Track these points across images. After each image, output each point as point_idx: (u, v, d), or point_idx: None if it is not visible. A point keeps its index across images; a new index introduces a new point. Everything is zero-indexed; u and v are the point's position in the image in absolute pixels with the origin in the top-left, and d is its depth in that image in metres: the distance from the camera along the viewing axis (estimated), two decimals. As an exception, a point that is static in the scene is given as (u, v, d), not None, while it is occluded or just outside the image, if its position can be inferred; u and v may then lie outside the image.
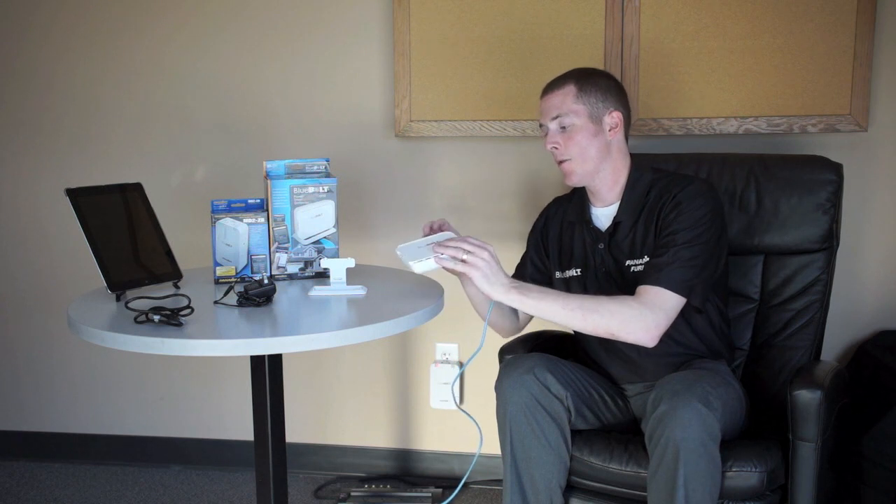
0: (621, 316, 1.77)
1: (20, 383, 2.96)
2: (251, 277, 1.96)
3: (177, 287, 1.92)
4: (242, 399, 2.79)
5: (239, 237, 1.97)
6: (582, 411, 1.89)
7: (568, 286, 2.00)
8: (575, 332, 2.04)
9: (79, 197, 1.83)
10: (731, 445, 1.79)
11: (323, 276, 2.00)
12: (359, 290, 1.86)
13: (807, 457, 1.81)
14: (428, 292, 1.87)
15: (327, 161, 2.09)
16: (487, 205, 2.61)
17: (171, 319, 1.59)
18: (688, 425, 1.63)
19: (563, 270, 2.05)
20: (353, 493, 2.63)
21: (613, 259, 1.96)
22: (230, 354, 1.54)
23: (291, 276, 2.01)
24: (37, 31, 2.77)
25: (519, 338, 2.16)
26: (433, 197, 2.64)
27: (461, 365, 2.68)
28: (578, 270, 2.02)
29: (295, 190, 1.99)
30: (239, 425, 2.82)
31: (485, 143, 2.58)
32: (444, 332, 2.67)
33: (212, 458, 2.88)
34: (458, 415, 2.69)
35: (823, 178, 2.10)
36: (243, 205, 2.02)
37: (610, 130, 1.94)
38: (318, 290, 1.87)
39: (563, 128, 1.92)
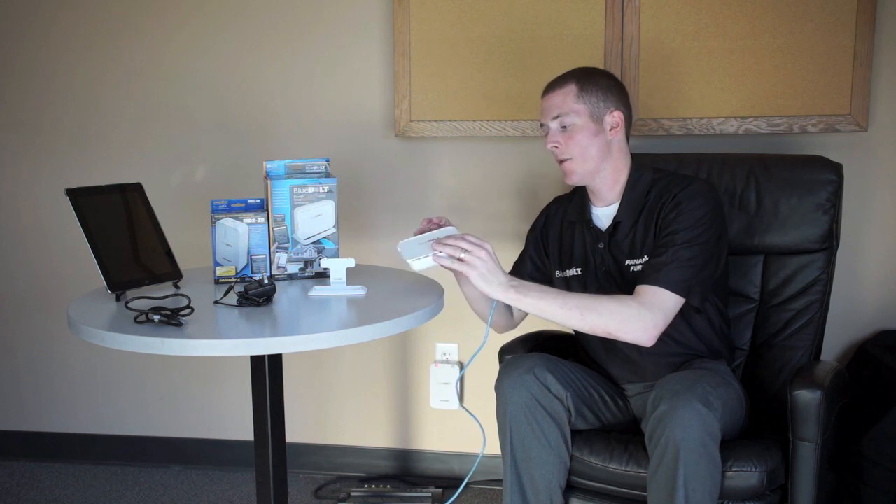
0: (619, 315, 1.77)
1: (20, 383, 2.96)
2: (251, 277, 1.96)
3: (177, 287, 1.92)
4: (242, 399, 2.79)
5: (239, 237, 1.97)
6: (582, 411, 1.89)
7: (568, 285, 2.00)
8: (575, 331, 2.04)
9: (79, 197, 1.83)
10: (731, 445, 1.79)
11: (323, 276, 2.00)
12: (359, 290, 1.86)
13: (807, 457, 1.81)
14: (428, 292, 1.87)
15: (327, 161, 2.09)
16: (487, 205, 2.61)
17: (171, 319, 1.59)
18: (688, 425, 1.63)
19: (563, 270, 2.06)
20: (353, 493, 2.63)
21: (613, 259, 1.96)
22: (230, 354, 1.54)
23: (291, 276, 2.01)
24: (37, 31, 2.77)
25: (519, 338, 2.16)
26: (433, 197, 2.64)
27: (461, 365, 2.68)
28: (578, 270, 2.02)
29: (295, 190, 1.99)
30: (239, 425, 2.82)
31: (485, 143, 2.58)
32: (444, 332, 2.67)
33: (212, 458, 2.88)
34: (458, 415, 2.69)
35: (823, 178, 2.10)
36: (243, 205, 2.02)
37: (611, 130, 1.94)
38: (318, 290, 1.87)
39: (564, 127, 1.93)
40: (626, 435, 1.92)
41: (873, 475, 2.11)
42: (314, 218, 2.01)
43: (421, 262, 1.78)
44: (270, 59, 2.66)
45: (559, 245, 2.08)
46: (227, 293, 1.79)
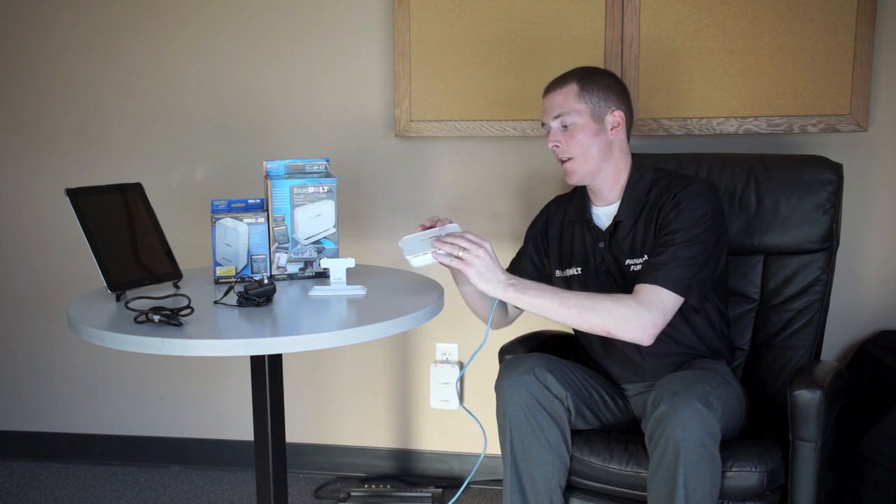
0: (618, 314, 1.77)
1: (20, 383, 2.96)
2: (251, 277, 1.96)
3: (177, 287, 1.92)
4: (242, 399, 2.79)
5: (239, 237, 1.97)
6: (582, 411, 1.89)
7: (568, 285, 2.00)
8: (575, 331, 2.04)
9: (79, 197, 1.83)
10: (731, 445, 1.79)
11: (323, 276, 2.00)
12: (359, 290, 1.86)
13: (807, 457, 1.81)
14: (428, 292, 1.87)
15: (327, 161, 2.09)
16: (487, 205, 2.61)
17: (171, 319, 1.59)
18: (688, 425, 1.63)
19: (563, 269, 2.06)
20: (353, 493, 2.63)
21: (613, 258, 1.96)
22: (230, 354, 1.54)
23: (291, 276, 2.01)
24: (37, 31, 2.77)
25: (519, 338, 2.16)
26: (433, 197, 2.64)
27: (461, 365, 2.68)
28: (579, 269, 2.02)
29: (295, 190, 1.99)
30: (239, 425, 2.82)
31: (485, 143, 2.58)
32: (444, 332, 2.67)
33: (212, 458, 2.88)
34: (458, 415, 2.69)
35: (823, 178, 2.10)
36: (243, 205, 2.02)
37: (612, 129, 1.94)
38: (318, 290, 1.87)
39: (565, 126, 1.93)
40: (626, 435, 1.91)
41: (873, 475, 2.11)
42: (314, 218, 2.01)
43: (420, 259, 1.78)
44: (270, 59, 2.66)
45: (559, 244, 2.08)
46: (227, 293, 1.79)
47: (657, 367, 1.93)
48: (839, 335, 2.41)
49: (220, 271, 1.97)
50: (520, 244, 2.19)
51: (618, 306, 1.78)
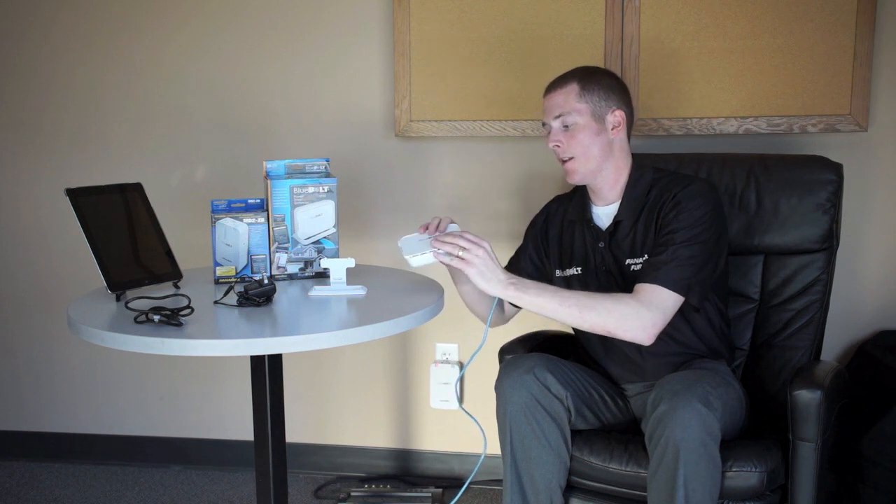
0: (618, 313, 1.77)
1: (20, 383, 2.96)
2: (251, 277, 1.96)
3: (177, 287, 1.92)
4: (242, 399, 2.79)
5: (239, 237, 1.97)
6: (582, 411, 1.89)
7: (568, 285, 2.00)
8: (575, 331, 2.04)
9: (79, 197, 1.83)
10: (731, 445, 1.79)
11: (323, 276, 2.00)
12: (359, 290, 1.86)
13: (807, 457, 1.81)
14: (428, 292, 1.87)
15: (327, 161, 2.09)
16: (487, 205, 2.61)
17: (171, 319, 1.59)
18: (688, 425, 1.63)
19: (563, 269, 2.06)
20: (353, 493, 2.63)
21: (614, 258, 1.96)
22: (230, 354, 1.54)
23: (291, 276, 2.01)
24: (37, 31, 2.77)
25: (519, 338, 2.16)
26: (433, 197, 2.64)
27: (461, 365, 2.68)
28: (579, 269, 2.02)
29: (295, 190, 1.99)
30: (239, 425, 2.82)
31: (485, 143, 2.58)
32: (444, 332, 2.67)
33: (212, 458, 2.88)
34: (458, 415, 2.69)
35: (823, 178, 2.10)
36: (243, 205, 2.02)
37: (612, 129, 1.94)
38: (318, 290, 1.87)
39: (566, 126, 1.93)
40: (626, 435, 1.91)
41: (873, 475, 2.11)
42: (314, 218, 2.01)
43: (418, 259, 1.79)
44: (270, 59, 2.66)
45: (559, 244, 2.08)
46: (227, 293, 1.79)
47: (657, 367, 1.93)
48: (839, 335, 2.41)
49: (220, 271, 1.97)
50: (519, 244, 2.19)
51: (618, 306, 1.78)
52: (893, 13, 2.30)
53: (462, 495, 2.62)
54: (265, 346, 1.57)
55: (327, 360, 2.78)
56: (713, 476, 1.68)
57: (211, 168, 2.74)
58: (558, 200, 2.15)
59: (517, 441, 1.84)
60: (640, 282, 1.82)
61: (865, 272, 2.42)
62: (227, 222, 1.97)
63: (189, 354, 1.53)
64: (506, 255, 2.15)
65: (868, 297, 2.42)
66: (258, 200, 2.03)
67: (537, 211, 2.18)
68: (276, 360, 1.86)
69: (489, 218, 2.60)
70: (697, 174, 2.15)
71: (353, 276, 1.91)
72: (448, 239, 1.78)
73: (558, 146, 1.94)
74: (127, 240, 1.91)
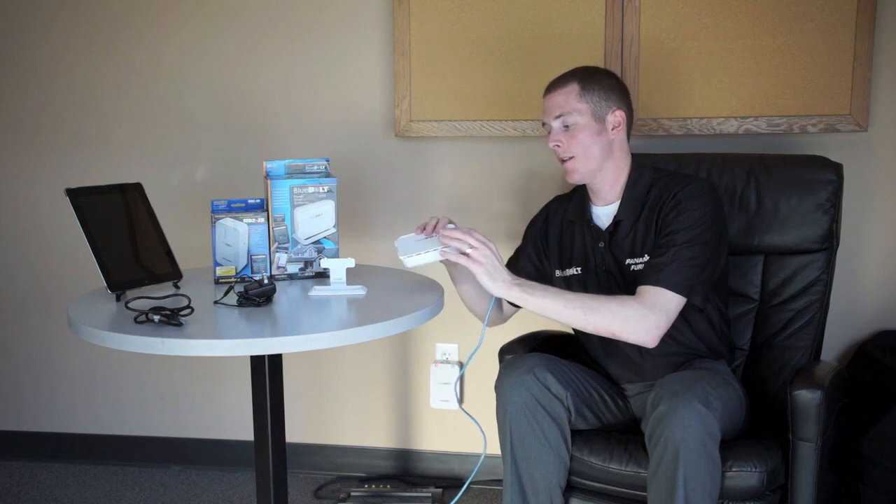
0: (622, 316, 1.77)
1: (20, 383, 2.96)
2: (251, 277, 1.96)
3: (177, 287, 1.92)
4: (242, 399, 2.79)
5: (239, 237, 1.97)
6: (582, 411, 1.89)
7: (568, 285, 2.00)
8: (575, 331, 2.04)
9: (79, 197, 1.83)
10: (731, 445, 1.79)
11: (323, 276, 2.00)
12: (359, 290, 1.86)
13: (807, 457, 1.81)
14: (428, 292, 1.87)
15: (327, 161, 2.09)
16: (487, 205, 2.61)
17: (171, 319, 1.59)
18: (688, 425, 1.63)
19: (563, 269, 2.06)
20: (353, 493, 2.63)
21: (614, 258, 1.96)
22: (230, 354, 1.54)
23: (291, 276, 2.01)
24: (37, 31, 2.77)
25: (519, 338, 2.16)
26: (433, 197, 2.64)
27: (461, 365, 2.68)
28: (578, 269, 2.02)
29: (295, 190, 1.99)
30: (239, 425, 2.82)
31: (485, 143, 2.58)
32: (444, 332, 2.67)
33: (212, 458, 2.88)
34: (458, 415, 2.69)
35: (823, 178, 2.10)
36: (243, 205, 2.02)
37: (612, 129, 1.94)
38: (318, 290, 1.87)
39: (566, 126, 1.93)
40: (626, 435, 1.91)
41: (873, 475, 2.11)
42: (314, 218, 2.01)
43: (413, 260, 1.80)
44: (270, 59, 2.66)
45: (559, 244, 2.08)
46: (227, 293, 1.79)
47: (657, 367, 1.93)
48: (839, 335, 2.41)
49: (220, 271, 1.97)
50: (519, 244, 2.18)
51: (622, 308, 1.78)
52: (893, 13, 2.30)
53: (462, 495, 2.62)
54: (265, 346, 1.57)
55: (327, 360, 2.78)
56: (713, 476, 1.68)
57: (211, 168, 2.74)
58: (558, 200, 2.15)
59: (517, 441, 1.84)
60: (642, 283, 1.82)
61: (865, 272, 2.42)
62: (227, 222, 1.97)
63: (189, 354, 1.53)
64: (506, 255, 2.15)
65: (868, 297, 2.42)
66: (258, 200, 2.03)
67: (537, 211, 2.18)
68: (276, 360, 1.86)
69: (489, 218, 2.60)
70: (697, 174, 2.15)
71: (353, 276, 1.91)
72: (456, 235, 1.78)
73: (558, 146, 1.94)
74: (127, 240, 1.91)
